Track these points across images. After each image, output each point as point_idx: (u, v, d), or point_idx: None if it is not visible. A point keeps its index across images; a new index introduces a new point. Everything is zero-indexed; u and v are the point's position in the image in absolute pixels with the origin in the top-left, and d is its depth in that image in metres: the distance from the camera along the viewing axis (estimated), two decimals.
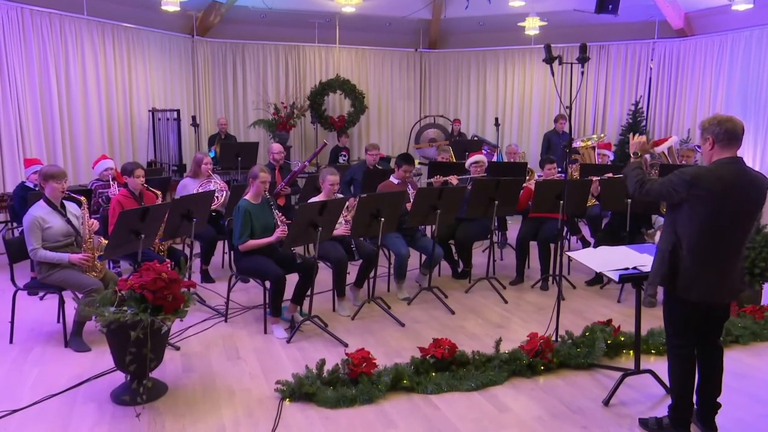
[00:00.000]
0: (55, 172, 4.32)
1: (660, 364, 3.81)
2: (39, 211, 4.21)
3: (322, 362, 3.72)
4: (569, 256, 4.18)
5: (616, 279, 3.42)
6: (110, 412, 3.41)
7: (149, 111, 9.25)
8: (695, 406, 3.18)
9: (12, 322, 4.40)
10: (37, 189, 5.75)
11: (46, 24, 7.64)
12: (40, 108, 7.60)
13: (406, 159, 5.70)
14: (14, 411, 3.39)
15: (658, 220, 5.57)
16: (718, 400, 3.17)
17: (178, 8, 8.20)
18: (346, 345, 4.35)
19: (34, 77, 7.50)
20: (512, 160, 8.12)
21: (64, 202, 4.39)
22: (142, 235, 4.26)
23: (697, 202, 2.91)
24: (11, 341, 4.37)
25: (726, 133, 2.92)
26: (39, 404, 3.48)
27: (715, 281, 2.96)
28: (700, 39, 9.67)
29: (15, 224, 6.38)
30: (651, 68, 10.33)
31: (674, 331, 3.14)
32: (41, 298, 5.32)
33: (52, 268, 4.21)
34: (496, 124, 10.74)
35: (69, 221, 4.32)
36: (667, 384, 3.36)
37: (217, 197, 5.80)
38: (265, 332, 4.64)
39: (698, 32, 9.78)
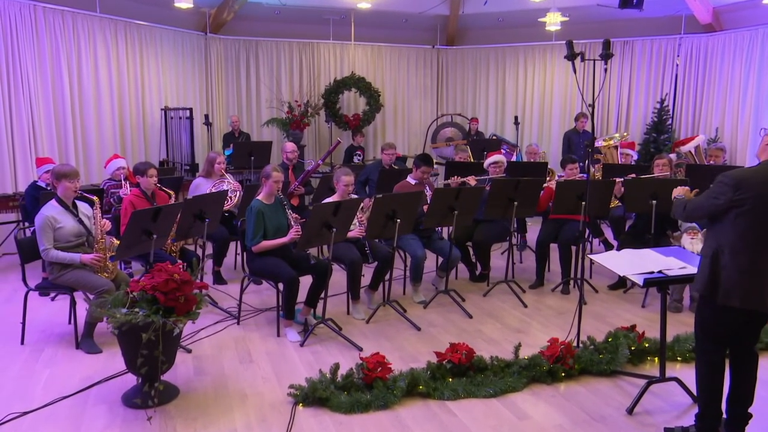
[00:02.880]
0: (67, 171, 4.30)
1: (686, 372, 3.71)
2: (51, 210, 4.19)
3: (336, 366, 3.67)
4: (591, 259, 4.06)
5: (641, 283, 3.35)
6: (121, 414, 3.38)
7: (162, 109, 9.23)
8: (724, 416, 3.08)
9: (23, 323, 4.39)
10: (49, 188, 5.75)
11: (58, 21, 7.64)
12: (53, 106, 7.60)
13: (425, 160, 5.60)
14: (25, 413, 3.37)
15: (684, 223, 5.42)
16: (749, 410, 3.05)
17: (191, 5, 8.17)
18: (360, 349, 4.28)
19: (46, 75, 7.51)
20: (532, 159, 7.99)
21: (76, 201, 4.37)
22: (154, 236, 4.24)
23: (741, 206, 2.83)
24: (23, 342, 4.36)
25: None
26: (50, 406, 3.46)
27: (757, 288, 2.85)
28: (729, 34, 9.39)
29: (27, 224, 6.38)
30: (677, 65, 10.05)
31: (706, 336, 3.05)
32: (53, 299, 5.31)
33: (63, 269, 4.18)
34: (516, 123, 10.58)
35: (81, 221, 4.29)
36: (694, 392, 3.27)
37: (230, 198, 5.75)
38: (278, 335, 4.58)
39: (727, 27, 9.50)
